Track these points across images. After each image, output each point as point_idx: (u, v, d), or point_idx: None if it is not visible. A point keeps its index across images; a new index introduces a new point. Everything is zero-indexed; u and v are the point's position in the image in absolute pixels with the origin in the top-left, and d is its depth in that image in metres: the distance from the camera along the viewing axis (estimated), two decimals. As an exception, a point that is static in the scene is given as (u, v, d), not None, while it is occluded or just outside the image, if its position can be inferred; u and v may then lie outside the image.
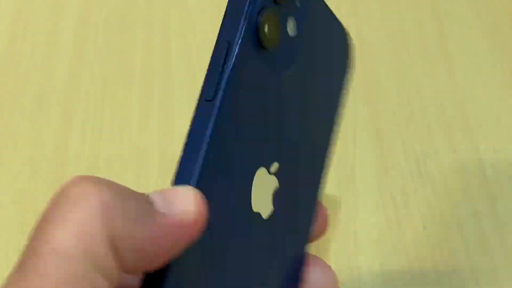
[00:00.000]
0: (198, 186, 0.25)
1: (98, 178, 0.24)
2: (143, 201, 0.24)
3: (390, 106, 0.47)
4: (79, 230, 0.22)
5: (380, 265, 0.41)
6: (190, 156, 0.26)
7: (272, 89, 0.29)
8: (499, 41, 0.49)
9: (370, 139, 0.46)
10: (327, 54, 0.33)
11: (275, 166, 0.28)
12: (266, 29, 0.27)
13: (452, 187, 0.43)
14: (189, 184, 0.25)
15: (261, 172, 0.28)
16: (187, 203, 0.24)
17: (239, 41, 0.26)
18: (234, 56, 0.26)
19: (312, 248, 0.30)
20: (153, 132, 0.48)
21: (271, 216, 0.28)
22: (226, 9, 0.27)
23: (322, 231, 0.30)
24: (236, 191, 0.27)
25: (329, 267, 0.30)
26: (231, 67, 0.26)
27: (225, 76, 0.26)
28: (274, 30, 0.27)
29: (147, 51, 0.53)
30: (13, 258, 0.22)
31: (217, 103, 0.26)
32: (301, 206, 0.30)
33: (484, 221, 0.41)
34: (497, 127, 0.45)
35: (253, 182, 0.27)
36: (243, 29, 0.26)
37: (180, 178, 0.26)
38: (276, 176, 0.28)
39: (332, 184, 0.43)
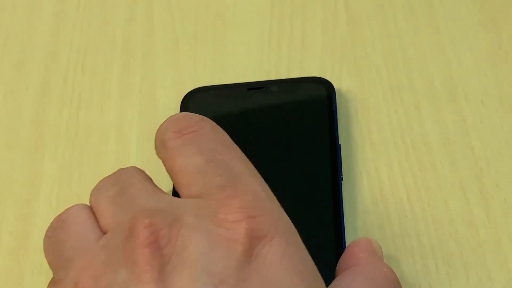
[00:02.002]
0: None
1: None
2: None
3: (377, 78, 0.46)
4: None
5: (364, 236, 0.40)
6: None
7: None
8: (489, 14, 0.48)
9: (356, 111, 0.45)
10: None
11: None
12: None
13: (438, 160, 0.42)
14: None
15: None
16: None
17: None
18: None
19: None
20: (133, 103, 0.47)
21: None
22: None
23: None
24: None
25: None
26: None
27: None
28: None
29: (129, 19, 0.51)
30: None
31: None
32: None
33: (470, 195, 0.41)
34: (485, 100, 0.44)
35: None
36: None
37: None
38: None
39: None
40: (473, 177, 0.41)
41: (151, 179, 0.34)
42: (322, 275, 0.33)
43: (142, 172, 0.35)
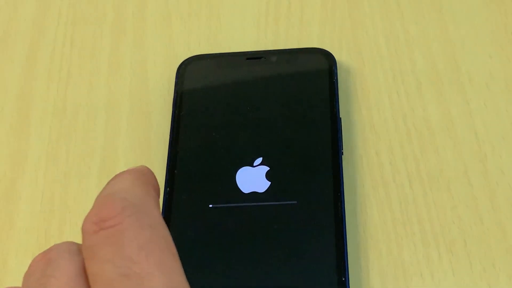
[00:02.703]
0: None
1: None
2: None
3: (377, 58, 0.45)
4: None
5: (363, 224, 0.38)
6: None
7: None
8: (493, -6, 0.46)
9: (356, 92, 0.43)
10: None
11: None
12: None
13: (441, 144, 0.41)
14: None
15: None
16: None
17: None
18: None
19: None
20: (124, 79, 0.45)
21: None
22: None
23: None
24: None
25: None
26: None
27: None
28: None
29: (120, -8, 0.49)
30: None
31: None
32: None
33: (473, 180, 0.39)
34: (488, 83, 0.43)
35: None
36: None
37: None
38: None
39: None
40: (477, 162, 0.40)
41: (80, 263, 0.29)
42: (320, 252, 0.35)
43: (72, 256, 0.29)
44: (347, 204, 0.38)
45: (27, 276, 0.27)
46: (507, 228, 0.37)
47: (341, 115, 0.42)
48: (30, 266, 0.28)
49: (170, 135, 0.41)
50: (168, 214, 0.38)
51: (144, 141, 0.42)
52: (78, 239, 0.39)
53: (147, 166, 0.40)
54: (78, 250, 0.27)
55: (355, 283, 0.36)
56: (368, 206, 0.39)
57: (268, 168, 0.39)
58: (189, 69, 0.43)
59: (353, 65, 0.44)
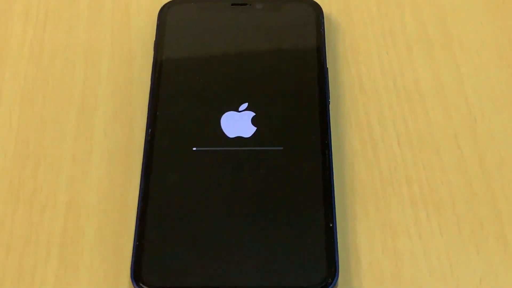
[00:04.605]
0: None
1: None
2: None
3: (368, 19, 0.44)
4: None
5: (350, 185, 0.37)
6: None
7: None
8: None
9: (345, 52, 0.42)
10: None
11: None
12: None
13: (431, 107, 0.40)
14: None
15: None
16: None
17: None
18: None
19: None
20: (105, 24, 0.43)
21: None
22: None
23: None
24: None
25: None
26: None
27: None
28: None
29: None
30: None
31: None
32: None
33: (463, 144, 0.39)
34: (480, 50, 0.42)
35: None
36: None
37: None
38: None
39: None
40: (466, 126, 0.39)
41: None
42: (307, 198, 0.35)
43: None
44: (334, 162, 0.37)
45: None
46: (496, 191, 0.37)
47: (329, 74, 0.40)
48: None
49: (151, 79, 0.39)
50: (150, 155, 0.36)
51: (125, 88, 0.40)
52: (52, 184, 0.37)
53: (127, 111, 0.39)
54: None
55: (341, 240, 0.35)
56: (356, 165, 0.38)
57: (254, 114, 0.38)
58: (171, 12, 0.42)
59: (343, 24, 0.43)
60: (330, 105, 0.39)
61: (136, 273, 0.33)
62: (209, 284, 0.33)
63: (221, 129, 0.37)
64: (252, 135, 0.37)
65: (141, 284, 0.32)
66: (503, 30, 0.43)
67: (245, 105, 0.38)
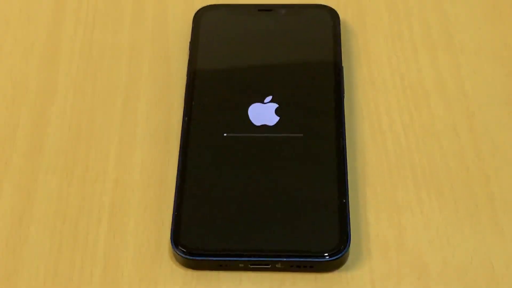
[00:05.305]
0: None
1: None
2: None
3: (379, 24, 0.49)
4: None
5: (361, 168, 0.42)
6: None
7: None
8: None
9: (358, 53, 0.48)
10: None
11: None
12: None
13: (433, 102, 0.45)
14: None
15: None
16: None
17: None
18: None
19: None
20: (146, 28, 0.49)
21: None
22: None
23: None
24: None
25: None
26: None
27: None
28: None
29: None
30: None
31: None
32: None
33: (461, 134, 0.44)
34: (479, 53, 0.47)
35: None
36: None
37: None
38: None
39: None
40: (464, 119, 0.44)
41: None
42: (324, 178, 0.40)
43: None
44: (348, 148, 0.42)
45: None
46: (490, 176, 0.42)
47: (344, 71, 0.46)
48: None
49: (187, 74, 0.45)
50: (186, 140, 0.42)
51: (164, 82, 0.46)
52: (101, 162, 0.42)
53: (166, 101, 0.44)
54: None
55: (353, 214, 0.40)
56: (367, 151, 0.43)
57: (277, 105, 0.43)
58: (204, 16, 0.48)
59: (356, 28, 0.49)
60: (345, 99, 0.44)
61: (175, 238, 0.38)
62: (236, 248, 0.38)
63: (249, 118, 0.43)
64: (276, 123, 0.43)
65: (179, 247, 0.38)
66: (499, 35, 0.48)
67: (270, 98, 0.44)
